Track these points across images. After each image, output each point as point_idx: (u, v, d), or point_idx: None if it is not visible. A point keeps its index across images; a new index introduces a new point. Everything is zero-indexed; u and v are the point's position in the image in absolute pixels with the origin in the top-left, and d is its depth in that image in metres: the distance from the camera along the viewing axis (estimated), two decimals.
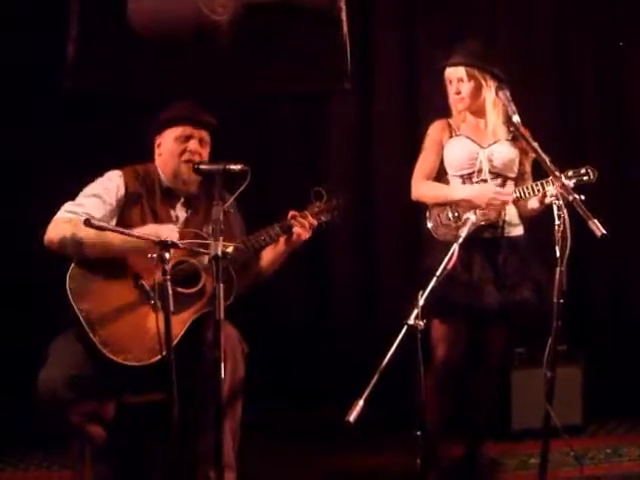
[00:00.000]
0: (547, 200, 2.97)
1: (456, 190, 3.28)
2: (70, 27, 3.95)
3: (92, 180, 3.03)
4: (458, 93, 3.29)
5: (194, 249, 2.87)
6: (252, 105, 4.21)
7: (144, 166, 3.11)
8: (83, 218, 2.78)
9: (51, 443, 3.74)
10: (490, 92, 3.24)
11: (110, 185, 2.99)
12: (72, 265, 2.86)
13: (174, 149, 3.05)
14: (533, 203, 3.20)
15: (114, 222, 2.96)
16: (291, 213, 3.12)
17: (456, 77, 3.28)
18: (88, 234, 2.81)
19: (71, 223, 2.86)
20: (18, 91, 3.91)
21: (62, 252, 2.86)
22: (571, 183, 3.00)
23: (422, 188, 3.34)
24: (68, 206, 2.93)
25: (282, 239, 3.09)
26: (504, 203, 3.21)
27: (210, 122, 3.11)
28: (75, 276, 2.84)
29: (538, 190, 3.14)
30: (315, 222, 3.13)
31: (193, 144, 3.05)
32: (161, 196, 3.06)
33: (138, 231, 2.80)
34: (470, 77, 3.26)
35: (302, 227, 3.07)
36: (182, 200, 3.10)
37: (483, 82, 3.25)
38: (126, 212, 2.98)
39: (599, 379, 4.12)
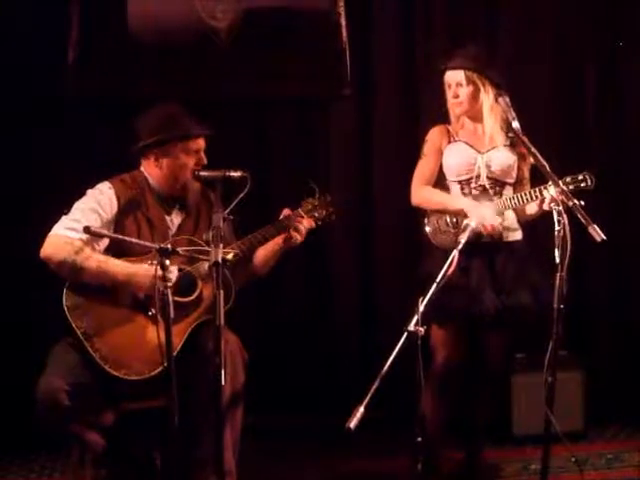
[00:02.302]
0: (545, 206, 2.97)
1: (455, 200, 3.28)
2: (71, 31, 3.96)
3: (84, 193, 3.00)
4: (456, 97, 3.29)
5: (194, 256, 2.86)
6: (251, 110, 4.22)
7: (129, 175, 3.06)
8: (83, 237, 2.81)
9: (52, 449, 3.76)
10: (488, 97, 3.24)
11: (103, 198, 2.96)
12: (67, 283, 2.84)
13: (187, 163, 2.99)
14: (532, 208, 3.20)
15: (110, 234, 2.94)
16: (285, 212, 3.12)
17: (455, 81, 3.28)
18: (89, 265, 2.81)
19: (73, 247, 2.83)
20: (18, 93, 3.91)
21: (58, 272, 2.84)
22: (570, 188, 3.01)
23: (422, 194, 3.34)
24: (66, 222, 2.89)
25: (275, 240, 3.08)
26: (493, 229, 3.19)
27: (211, 132, 3.09)
28: (71, 293, 2.83)
29: (536, 196, 3.13)
30: (311, 224, 3.13)
31: (202, 155, 3.03)
32: (155, 203, 3.03)
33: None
34: (469, 81, 3.26)
35: (296, 228, 3.07)
36: (177, 206, 3.08)
37: (482, 87, 3.25)
38: (120, 223, 2.96)
39: (600, 384, 4.12)
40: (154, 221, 3.01)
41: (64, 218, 2.91)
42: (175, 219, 3.07)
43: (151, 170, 3.05)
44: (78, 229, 2.85)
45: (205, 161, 3.03)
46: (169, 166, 3.01)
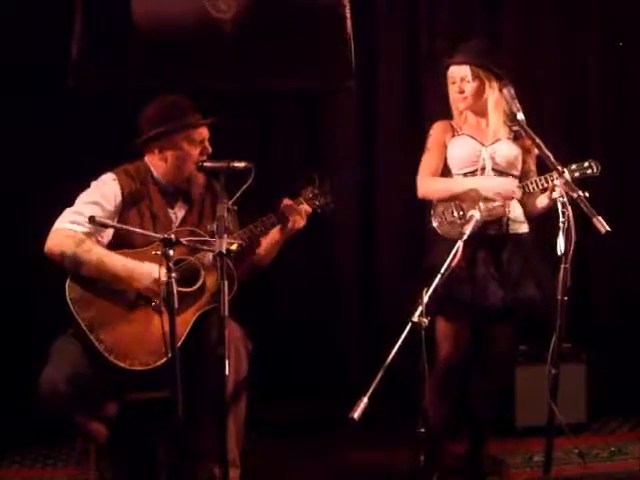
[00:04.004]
0: (555, 195, 2.93)
1: (461, 182, 3.25)
2: (74, 25, 3.96)
3: (87, 184, 3.00)
4: (461, 92, 3.27)
5: (197, 247, 2.86)
6: (256, 102, 4.22)
7: (133, 166, 3.06)
8: (86, 230, 2.83)
9: (56, 440, 3.77)
10: (493, 93, 3.22)
11: (107, 190, 2.96)
12: (70, 275, 2.85)
13: (192, 153, 2.99)
14: (542, 201, 3.17)
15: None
16: (285, 201, 3.12)
17: (460, 76, 3.26)
18: (89, 258, 2.82)
19: (74, 239, 2.84)
20: (18, 91, 3.90)
21: (60, 264, 2.85)
22: (575, 175, 3.00)
23: (427, 184, 3.31)
24: (69, 215, 2.90)
25: (276, 229, 3.09)
26: (511, 192, 3.18)
27: (213, 121, 3.09)
28: (74, 286, 2.84)
29: (543, 184, 3.13)
30: (310, 209, 3.13)
31: (207, 144, 3.03)
32: (158, 196, 3.03)
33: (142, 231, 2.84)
34: (474, 77, 3.24)
35: (297, 215, 3.07)
36: (181, 198, 3.08)
37: (487, 82, 3.23)
38: (124, 215, 2.96)
39: (603, 376, 4.12)
40: (157, 214, 3.01)
41: (67, 211, 2.92)
42: (178, 212, 3.07)
43: (155, 163, 3.04)
44: (81, 222, 2.86)
45: (210, 150, 3.03)
46: (173, 158, 3.00)
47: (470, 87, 3.25)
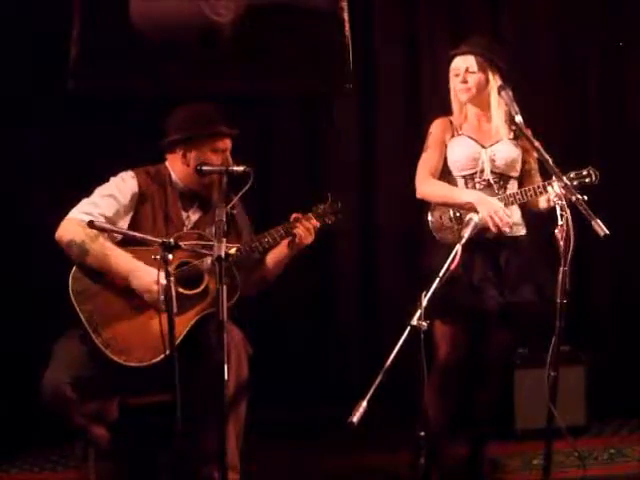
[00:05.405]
0: (552, 202, 2.94)
1: (462, 192, 3.25)
2: (72, 28, 3.96)
3: (107, 179, 3.05)
4: (465, 82, 3.25)
5: (197, 250, 2.87)
6: (254, 107, 4.21)
7: (154, 167, 3.11)
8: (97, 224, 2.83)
9: (55, 443, 3.76)
10: (496, 85, 3.21)
11: (124, 186, 3.01)
12: (75, 267, 2.88)
13: (214, 161, 3.02)
14: (542, 203, 3.19)
15: (127, 221, 2.98)
16: (294, 216, 3.12)
17: (464, 66, 3.24)
18: (95, 250, 2.85)
19: (85, 229, 2.86)
20: (18, 91, 3.91)
21: (67, 252, 2.89)
22: (574, 184, 3.00)
23: (427, 187, 3.31)
24: (84, 206, 2.95)
25: (285, 242, 3.10)
26: (503, 224, 3.15)
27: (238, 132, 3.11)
28: (78, 278, 2.87)
29: (540, 192, 3.13)
30: (318, 224, 3.14)
31: (228, 155, 3.06)
32: (174, 199, 3.07)
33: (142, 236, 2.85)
34: (479, 67, 3.22)
35: (305, 230, 3.08)
36: (197, 203, 3.11)
37: (491, 75, 3.23)
38: (138, 212, 3.00)
39: (602, 379, 4.12)
40: (171, 216, 3.05)
41: (83, 202, 2.97)
42: (192, 216, 3.11)
43: (177, 166, 3.08)
44: (94, 213, 2.90)
45: (230, 161, 3.05)
46: (195, 162, 3.03)
47: (474, 78, 3.24)
